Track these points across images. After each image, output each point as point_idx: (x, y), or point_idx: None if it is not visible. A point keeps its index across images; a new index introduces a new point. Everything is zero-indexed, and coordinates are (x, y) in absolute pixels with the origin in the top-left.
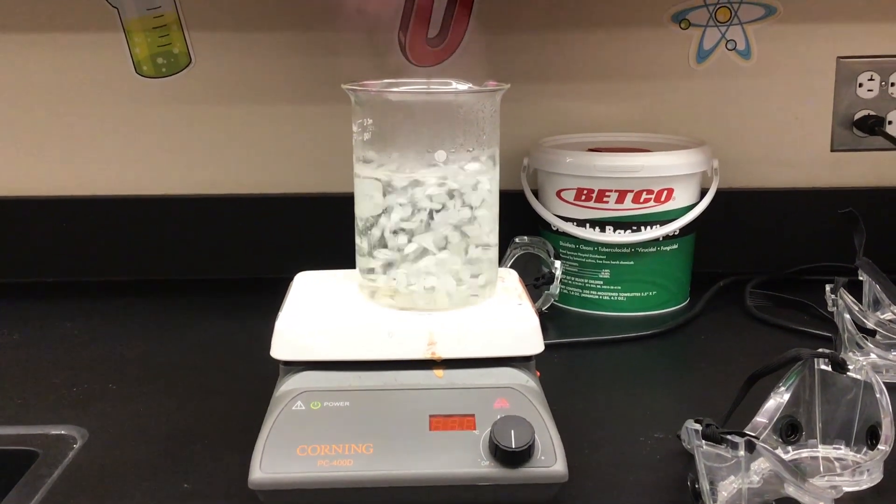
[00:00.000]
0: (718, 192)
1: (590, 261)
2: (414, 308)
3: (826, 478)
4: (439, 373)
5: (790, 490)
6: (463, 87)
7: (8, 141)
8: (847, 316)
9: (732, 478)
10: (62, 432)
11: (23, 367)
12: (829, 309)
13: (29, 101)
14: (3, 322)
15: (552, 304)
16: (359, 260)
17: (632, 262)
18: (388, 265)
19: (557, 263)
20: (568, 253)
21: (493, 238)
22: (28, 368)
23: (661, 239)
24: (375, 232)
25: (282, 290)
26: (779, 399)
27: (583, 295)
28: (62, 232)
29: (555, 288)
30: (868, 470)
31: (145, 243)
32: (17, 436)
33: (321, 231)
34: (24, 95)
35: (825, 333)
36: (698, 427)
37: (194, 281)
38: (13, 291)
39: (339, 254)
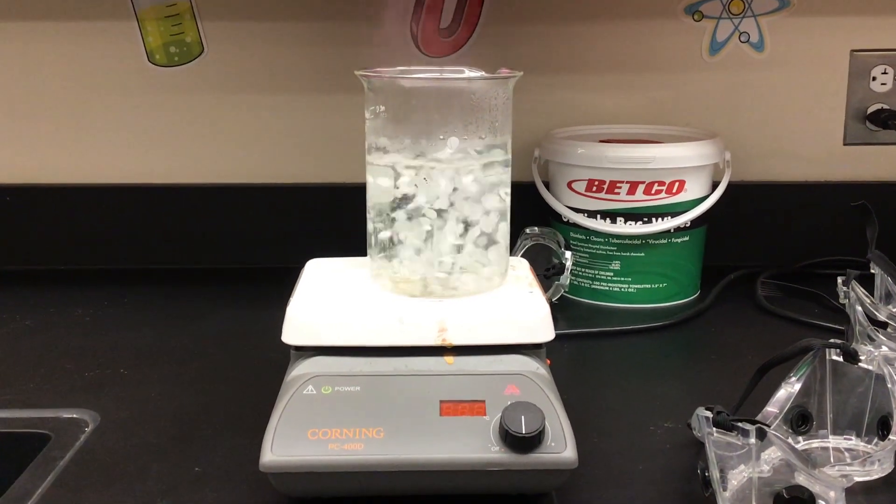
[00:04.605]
0: (730, 185)
1: (600, 252)
2: (425, 295)
3: (837, 467)
4: (450, 359)
5: (801, 479)
6: (475, 74)
7: (21, 129)
8: (859, 308)
9: (742, 466)
10: (74, 416)
11: (36, 352)
12: (841, 301)
13: (41, 90)
14: (16, 308)
15: (562, 294)
16: (370, 247)
17: (642, 254)
18: (400, 252)
19: (568, 254)
20: (579, 244)
21: (505, 226)
22: (41, 354)
23: (672, 231)
24: (387, 219)
25: (294, 279)
26: (790, 389)
27: (593, 286)
28: (74, 220)
29: (565, 279)
30: (879, 460)
31: (157, 232)
32: (30, 419)
33: (333, 220)
34: (37, 84)
35: (837, 326)
36: (709, 414)
37: (206, 269)
38: (27, 278)
39: (352, 243)
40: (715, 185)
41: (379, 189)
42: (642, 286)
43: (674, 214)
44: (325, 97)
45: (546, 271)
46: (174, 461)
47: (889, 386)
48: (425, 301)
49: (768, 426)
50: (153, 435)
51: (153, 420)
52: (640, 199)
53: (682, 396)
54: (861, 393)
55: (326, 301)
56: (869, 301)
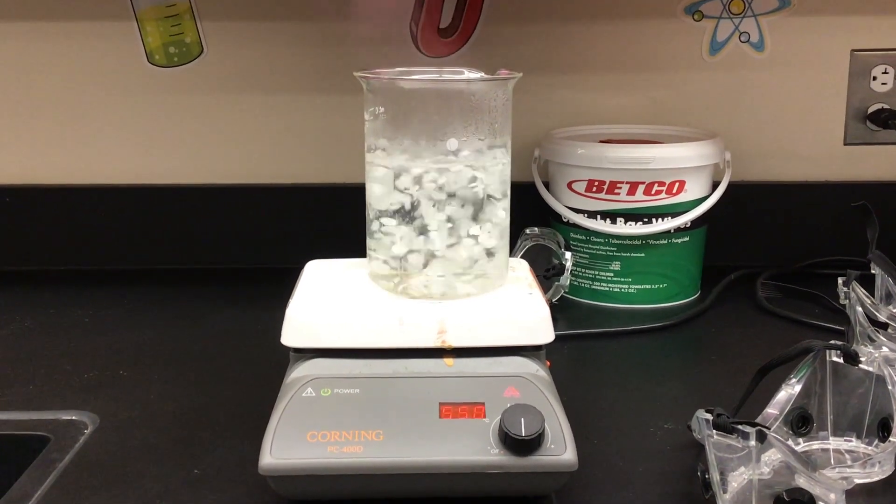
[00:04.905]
0: (730, 185)
1: (600, 252)
2: (424, 296)
3: (837, 469)
4: (449, 361)
5: (801, 481)
6: (475, 75)
7: (20, 130)
8: (859, 309)
9: (743, 469)
10: (73, 418)
11: (35, 353)
12: (842, 302)
13: (41, 90)
14: (16, 309)
15: (562, 295)
16: (370, 248)
17: (643, 255)
18: (399, 253)
19: (568, 255)
20: (579, 244)
21: (505, 227)
22: (40, 355)
23: (672, 231)
24: (386, 220)
25: (293, 279)
26: (790, 391)
27: (593, 287)
28: (74, 221)
29: (565, 279)
30: (879, 462)
31: (156, 233)
32: (29, 421)
33: (333, 221)
34: (37, 84)
35: (837, 327)
36: (709, 416)
37: (205, 270)
38: (26, 279)
39: (352, 243)
40: (715, 186)
41: (378, 189)
42: (642, 287)
43: (674, 215)
44: (325, 97)
45: (546, 272)
46: (173, 463)
47: (889, 387)
48: (425, 302)
49: (768, 428)
50: (152, 437)
51: (152, 421)
52: (640, 200)
53: (682, 397)
54: (861, 394)
55: (326, 303)
56: (869, 302)
